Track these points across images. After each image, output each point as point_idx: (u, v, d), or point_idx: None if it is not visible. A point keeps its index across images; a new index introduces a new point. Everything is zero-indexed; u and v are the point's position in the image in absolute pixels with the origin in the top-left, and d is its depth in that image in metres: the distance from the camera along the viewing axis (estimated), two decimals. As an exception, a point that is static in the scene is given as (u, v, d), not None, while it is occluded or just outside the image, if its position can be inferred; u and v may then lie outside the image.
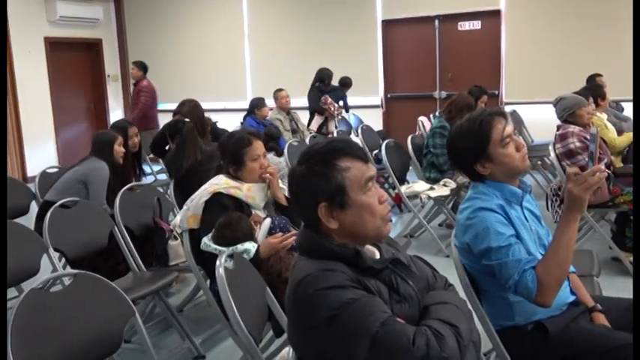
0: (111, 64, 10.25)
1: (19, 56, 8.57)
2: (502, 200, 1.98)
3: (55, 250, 3.01)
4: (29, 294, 1.85)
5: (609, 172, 3.86)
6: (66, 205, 3.25)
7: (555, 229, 1.87)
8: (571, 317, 1.98)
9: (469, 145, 2.00)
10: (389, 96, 8.97)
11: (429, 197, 4.72)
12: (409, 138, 5.23)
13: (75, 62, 9.83)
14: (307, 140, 5.90)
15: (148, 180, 6.15)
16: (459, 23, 8.40)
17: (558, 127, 4.17)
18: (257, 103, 6.79)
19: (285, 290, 1.50)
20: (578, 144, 3.97)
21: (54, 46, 9.16)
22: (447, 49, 8.50)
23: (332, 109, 6.97)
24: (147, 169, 6.57)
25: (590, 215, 4.02)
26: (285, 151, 5.16)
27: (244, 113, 6.94)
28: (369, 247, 1.56)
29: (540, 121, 6.79)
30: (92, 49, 10.01)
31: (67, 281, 2.44)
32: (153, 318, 3.53)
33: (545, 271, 1.81)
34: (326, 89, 7.15)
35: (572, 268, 2.06)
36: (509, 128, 2.00)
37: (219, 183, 2.85)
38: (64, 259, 3.19)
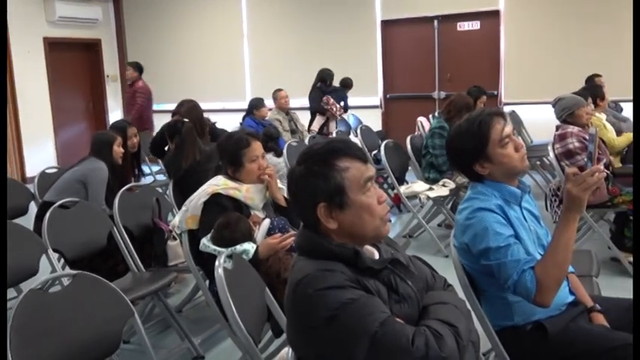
0: (110, 65, 10.25)
1: (18, 56, 8.56)
2: (501, 200, 1.99)
3: (54, 250, 3.01)
4: (28, 294, 1.85)
5: (608, 172, 3.86)
6: (65, 205, 3.25)
7: (554, 229, 1.87)
8: (570, 317, 1.98)
9: (468, 145, 2.01)
10: (388, 96, 8.96)
11: (428, 197, 4.72)
12: (408, 138, 5.23)
13: (74, 62, 9.82)
14: (306, 140, 5.90)
15: (147, 180, 6.13)
16: (458, 23, 8.40)
17: (557, 128, 4.17)
18: (256, 104, 6.78)
19: (284, 290, 1.50)
20: (577, 144, 3.97)
21: (53, 47, 9.15)
22: (446, 50, 8.49)
23: (334, 109, 6.96)
24: (146, 169, 6.56)
25: (589, 215, 4.02)
26: (285, 151, 5.15)
27: (243, 113, 6.93)
28: (368, 248, 1.56)
29: (539, 122, 6.80)
30: (91, 49, 10.00)
31: (66, 282, 2.43)
32: (152, 318, 3.53)
33: (544, 271, 1.81)
34: (327, 90, 7.13)
35: (571, 268, 2.06)
36: (508, 128, 2.00)
37: (218, 184, 2.84)
38: (63, 260, 3.18)
